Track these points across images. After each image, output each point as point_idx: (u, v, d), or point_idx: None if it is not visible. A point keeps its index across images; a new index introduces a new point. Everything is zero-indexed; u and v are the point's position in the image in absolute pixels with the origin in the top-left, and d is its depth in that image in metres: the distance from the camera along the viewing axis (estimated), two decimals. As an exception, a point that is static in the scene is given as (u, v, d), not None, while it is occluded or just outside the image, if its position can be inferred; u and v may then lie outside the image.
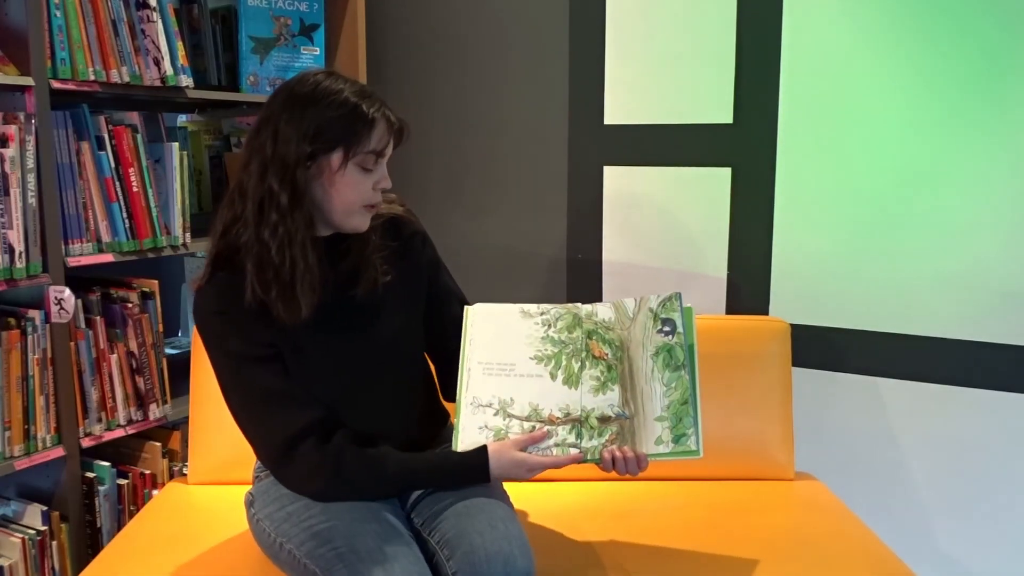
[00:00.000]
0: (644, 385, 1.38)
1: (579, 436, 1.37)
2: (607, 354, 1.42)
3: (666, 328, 1.40)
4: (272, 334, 1.36)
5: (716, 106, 2.23)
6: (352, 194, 1.34)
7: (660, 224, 2.35)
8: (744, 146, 2.22)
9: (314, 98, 1.32)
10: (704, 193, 2.28)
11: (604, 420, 1.38)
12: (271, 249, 1.31)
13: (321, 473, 1.36)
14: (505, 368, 1.42)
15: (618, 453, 1.34)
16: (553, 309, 1.47)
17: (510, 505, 1.43)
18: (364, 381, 1.45)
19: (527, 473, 1.36)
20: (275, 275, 1.32)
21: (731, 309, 2.29)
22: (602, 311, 1.46)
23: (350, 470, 1.36)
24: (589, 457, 1.36)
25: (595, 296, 2.46)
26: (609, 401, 1.39)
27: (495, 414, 1.38)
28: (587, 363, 1.42)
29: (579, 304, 1.48)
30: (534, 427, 1.37)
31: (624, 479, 1.39)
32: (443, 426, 1.58)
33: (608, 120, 2.38)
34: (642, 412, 1.37)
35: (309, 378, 1.40)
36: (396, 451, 1.41)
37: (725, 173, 2.25)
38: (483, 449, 1.36)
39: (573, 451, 1.36)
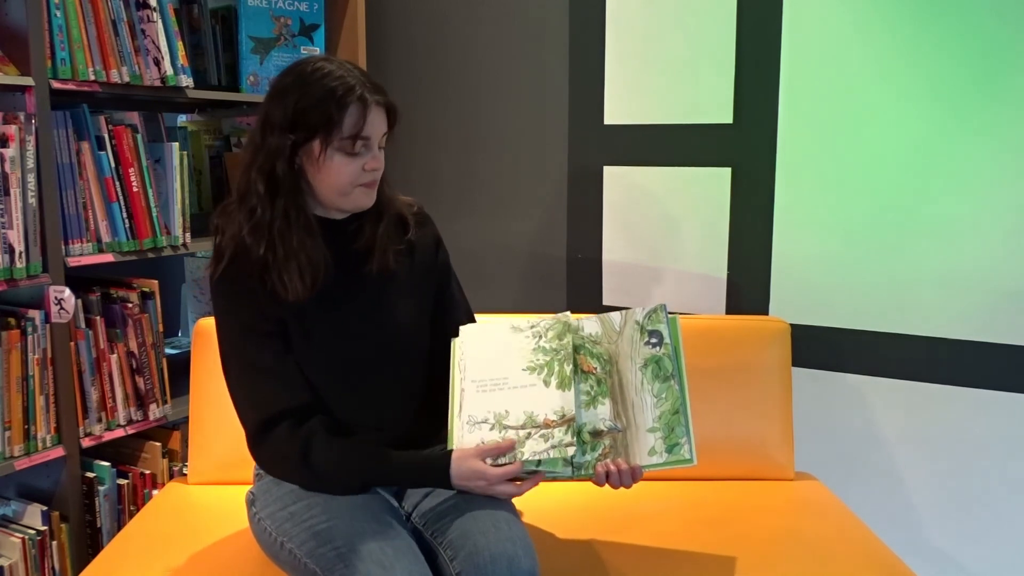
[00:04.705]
0: (634, 397, 1.38)
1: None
2: (596, 368, 1.42)
3: (653, 340, 1.40)
4: (281, 310, 1.39)
5: (716, 106, 2.23)
6: (340, 178, 1.37)
7: (660, 224, 2.35)
8: (744, 146, 2.22)
9: (293, 87, 1.35)
10: (704, 193, 2.28)
11: (596, 434, 1.37)
12: (263, 230, 1.36)
13: (289, 457, 1.37)
14: (499, 383, 1.40)
15: (612, 467, 1.33)
16: (543, 321, 1.47)
17: (513, 506, 1.43)
18: (368, 365, 1.45)
19: (488, 487, 1.33)
20: (272, 255, 1.36)
21: (731, 309, 2.29)
22: (588, 325, 1.46)
23: (317, 457, 1.36)
24: (584, 472, 1.35)
25: (595, 296, 2.46)
26: (600, 415, 1.38)
27: (491, 429, 1.37)
28: (576, 378, 1.41)
29: (567, 313, 1.48)
30: (529, 434, 1.36)
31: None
32: (444, 425, 1.58)
33: (608, 120, 2.38)
34: (634, 424, 1.37)
35: (314, 358, 1.41)
36: (366, 445, 1.41)
37: (725, 173, 2.25)
38: (448, 454, 1.36)
39: (570, 450, 1.33)
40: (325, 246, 1.40)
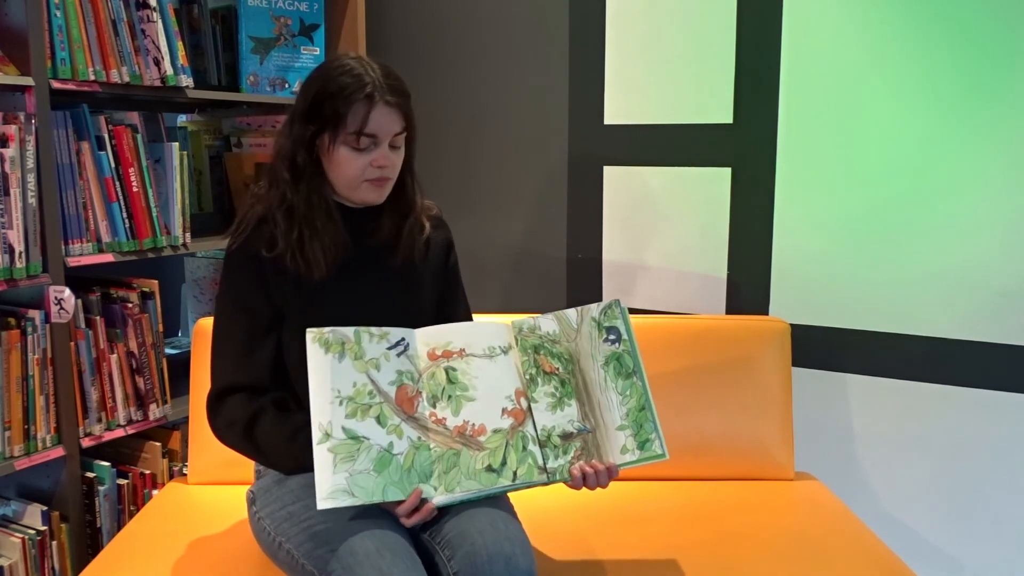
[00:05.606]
0: (600, 396, 1.36)
1: (544, 458, 1.34)
2: (558, 368, 1.40)
3: (611, 336, 1.39)
4: (287, 290, 1.44)
5: (716, 106, 2.23)
6: (348, 171, 1.42)
7: (660, 224, 2.35)
8: (744, 146, 2.22)
9: (314, 81, 1.42)
10: (704, 193, 2.28)
11: (567, 437, 1.35)
12: (294, 213, 1.43)
13: (235, 425, 1.41)
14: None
15: (588, 468, 1.32)
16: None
17: (511, 506, 1.43)
18: None
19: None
20: (300, 237, 1.42)
21: (731, 309, 2.29)
22: (545, 324, 1.44)
23: (261, 430, 1.39)
24: (559, 477, 1.34)
25: (595, 296, 2.46)
26: (568, 417, 1.37)
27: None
28: (539, 380, 1.39)
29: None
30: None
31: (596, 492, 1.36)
32: None
33: (608, 120, 2.38)
34: (603, 424, 1.35)
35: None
36: (308, 430, 1.41)
37: (725, 173, 2.25)
38: None
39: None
40: (345, 231, 1.46)
